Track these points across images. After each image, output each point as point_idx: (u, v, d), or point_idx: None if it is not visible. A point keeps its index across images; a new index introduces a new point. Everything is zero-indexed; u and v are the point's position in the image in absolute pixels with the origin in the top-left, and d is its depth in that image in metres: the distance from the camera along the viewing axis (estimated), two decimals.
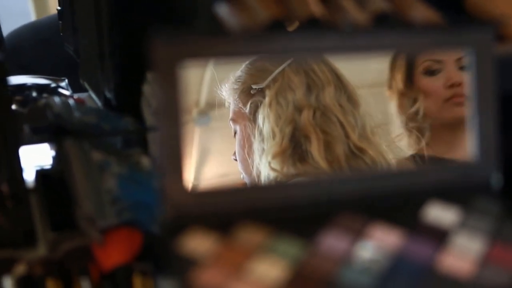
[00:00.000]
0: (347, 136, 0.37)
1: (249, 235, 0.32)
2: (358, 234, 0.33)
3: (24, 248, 0.43)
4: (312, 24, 0.35)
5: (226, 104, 0.37)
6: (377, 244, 0.32)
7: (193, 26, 0.40)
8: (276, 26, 0.35)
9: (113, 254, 0.43)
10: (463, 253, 0.32)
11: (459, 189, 0.36)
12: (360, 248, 0.32)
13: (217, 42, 0.32)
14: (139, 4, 0.42)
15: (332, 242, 0.33)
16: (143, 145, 0.49)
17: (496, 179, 0.36)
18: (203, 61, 0.34)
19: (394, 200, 0.35)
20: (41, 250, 0.43)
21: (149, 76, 0.55)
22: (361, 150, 0.37)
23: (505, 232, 0.33)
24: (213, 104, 0.37)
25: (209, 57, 0.33)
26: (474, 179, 0.36)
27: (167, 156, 0.31)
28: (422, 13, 0.37)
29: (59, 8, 0.60)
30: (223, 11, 0.36)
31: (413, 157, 0.41)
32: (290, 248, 0.32)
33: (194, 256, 0.30)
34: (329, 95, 0.37)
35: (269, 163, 0.38)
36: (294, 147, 0.37)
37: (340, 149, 0.36)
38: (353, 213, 0.34)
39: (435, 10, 0.37)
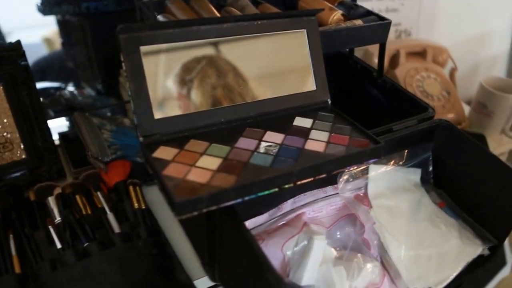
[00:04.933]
0: (243, 99, 0.53)
1: (196, 146, 0.47)
2: (259, 137, 0.50)
3: (58, 179, 0.65)
4: None
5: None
6: (270, 141, 0.50)
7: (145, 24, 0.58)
8: None
9: (114, 176, 0.64)
10: (318, 140, 0.50)
11: (310, 108, 0.56)
12: (261, 144, 0.49)
13: (160, 32, 0.46)
14: (109, 31, 0.54)
15: (244, 143, 0.48)
16: (123, 112, 0.72)
17: (328, 101, 0.58)
18: (154, 43, 0.47)
19: (276, 117, 0.54)
20: (69, 179, 0.65)
21: (121, 71, 0.77)
22: None
23: (336, 129, 0.53)
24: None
25: (156, 42, 0.46)
26: (317, 101, 0.56)
27: (139, 100, 0.46)
28: (275, 10, 0.60)
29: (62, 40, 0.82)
30: (161, 18, 0.58)
31: None
32: (220, 151, 0.47)
33: (164, 160, 0.45)
34: (230, 78, 0.52)
35: None
36: None
37: None
38: (254, 127, 0.52)
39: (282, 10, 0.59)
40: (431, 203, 0.59)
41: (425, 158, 0.62)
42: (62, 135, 0.69)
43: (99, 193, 0.62)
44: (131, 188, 0.63)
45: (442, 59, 0.97)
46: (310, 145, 0.50)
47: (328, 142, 0.51)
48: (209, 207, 0.41)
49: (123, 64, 0.46)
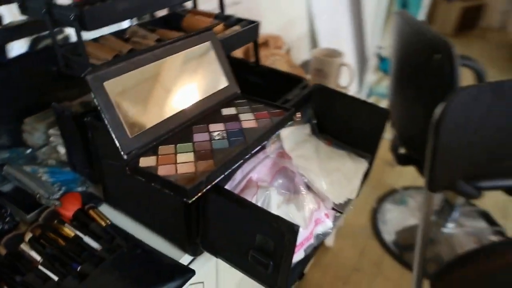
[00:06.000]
0: (180, 106, 0.64)
1: (166, 150, 0.59)
2: (207, 130, 0.64)
3: (14, 230, 0.66)
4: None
5: None
6: (217, 130, 0.64)
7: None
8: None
9: (70, 207, 0.68)
10: (248, 120, 0.66)
11: (228, 99, 0.71)
12: (212, 134, 0.63)
13: (116, 66, 0.55)
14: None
15: (200, 137, 0.62)
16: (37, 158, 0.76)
17: (238, 91, 0.74)
18: (114, 77, 0.56)
19: (208, 113, 0.67)
20: (22, 227, 0.67)
21: (25, 120, 0.78)
22: None
23: (255, 109, 0.69)
24: None
25: (115, 75, 0.55)
26: (231, 93, 0.72)
27: (115, 126, 0.54)
28: (175, 33, 0.73)
29: None
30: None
31: None
32: (186, 147, 0.60)
33: (151, 166, 0.56)
34: (165, 89, 0.62)
35: None
36: None
37: None
38: (197, 125, 0.65)
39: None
40: (324, 145, 0.82)
41: (310, 114, 0.83)
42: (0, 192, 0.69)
43: (66, 225, 0.66)
44: (91, 211, 0.69)
45: (280, 44, 1.22)
46: (246, 125, 0.66)
47: (256, 119, 0.67)
48: (207, 186, 0.54)
49: (94, 100, 0.53)
